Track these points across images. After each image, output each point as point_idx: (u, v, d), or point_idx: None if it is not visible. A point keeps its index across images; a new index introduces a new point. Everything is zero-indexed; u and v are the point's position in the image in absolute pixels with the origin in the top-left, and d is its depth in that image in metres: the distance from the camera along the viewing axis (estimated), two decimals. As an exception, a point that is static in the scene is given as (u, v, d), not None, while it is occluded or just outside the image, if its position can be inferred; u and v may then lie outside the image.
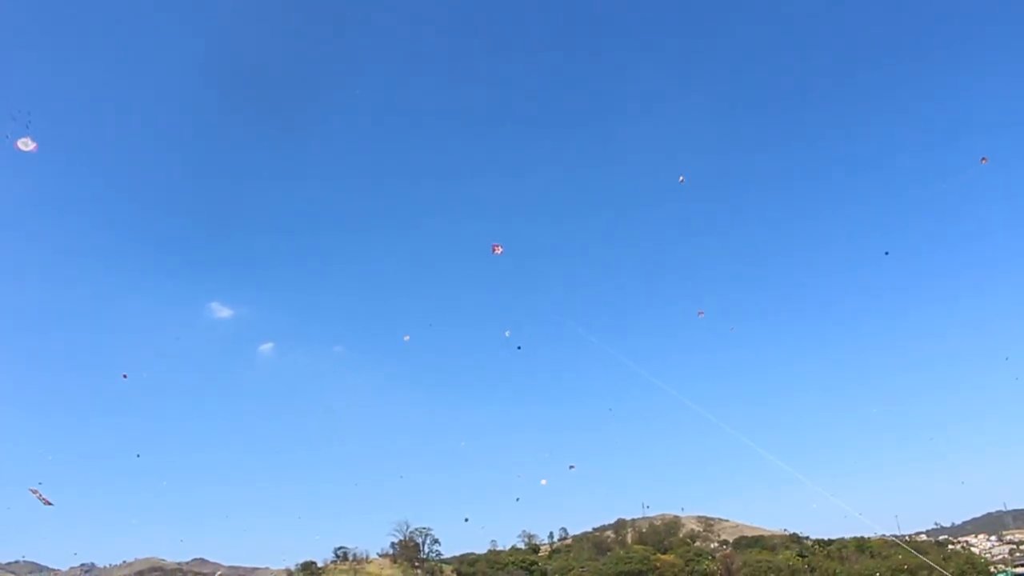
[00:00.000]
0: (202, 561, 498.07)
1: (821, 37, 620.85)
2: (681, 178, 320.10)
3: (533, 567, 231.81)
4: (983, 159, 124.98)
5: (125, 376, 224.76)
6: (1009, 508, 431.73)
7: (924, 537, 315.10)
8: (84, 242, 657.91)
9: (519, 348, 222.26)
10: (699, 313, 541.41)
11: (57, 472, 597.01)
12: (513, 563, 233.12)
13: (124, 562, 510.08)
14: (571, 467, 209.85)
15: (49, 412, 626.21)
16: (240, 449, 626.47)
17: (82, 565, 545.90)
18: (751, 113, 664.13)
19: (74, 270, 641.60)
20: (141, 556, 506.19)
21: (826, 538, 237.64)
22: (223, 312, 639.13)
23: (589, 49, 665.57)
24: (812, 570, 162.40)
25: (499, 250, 67.62)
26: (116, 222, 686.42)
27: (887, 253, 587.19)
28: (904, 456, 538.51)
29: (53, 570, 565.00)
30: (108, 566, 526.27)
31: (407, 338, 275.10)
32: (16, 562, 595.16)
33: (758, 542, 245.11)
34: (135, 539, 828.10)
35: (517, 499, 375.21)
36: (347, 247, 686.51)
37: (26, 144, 57.88)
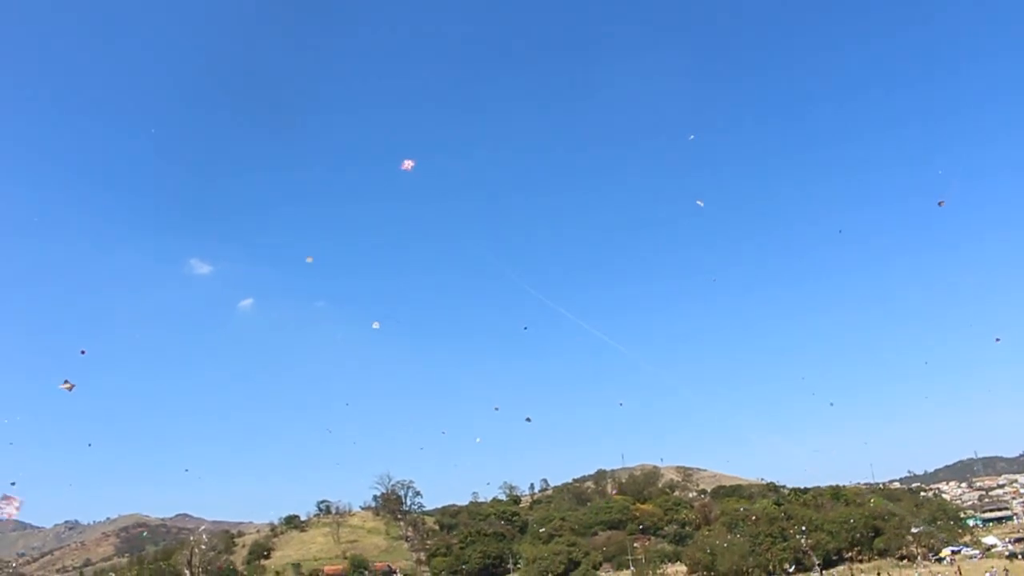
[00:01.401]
0: (186, 516, 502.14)
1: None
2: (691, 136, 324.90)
3: (514, 518, 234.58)
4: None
5: (83, 352, 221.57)
6: (979, 456, 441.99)
7: (898, 485, 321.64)
8: (68, 197, 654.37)
9: (525, 328, 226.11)
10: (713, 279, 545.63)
11: (39, 431, 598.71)
12: (494, 514, 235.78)
13: (108, 519, 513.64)
14: (527, 419, 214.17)
15: (31, 370, 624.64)
16: (222, 406, 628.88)
17: (66, 522, 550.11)
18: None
19: (56, 227, 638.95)
20: (125, 512, 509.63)
21: (802, 487, 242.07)
22: (203, 268, 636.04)
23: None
24: (788, 517, 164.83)
25: (409, 165, 66.15)
26: (97, 178, 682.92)
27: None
28: (878, 406, 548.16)
29: (38, 528, 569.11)
30: (92, 523, 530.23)
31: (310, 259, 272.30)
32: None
33: (735, 491, 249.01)
34: (119, 496, 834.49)
35: (478, 440, 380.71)
36: (327, 204, 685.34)
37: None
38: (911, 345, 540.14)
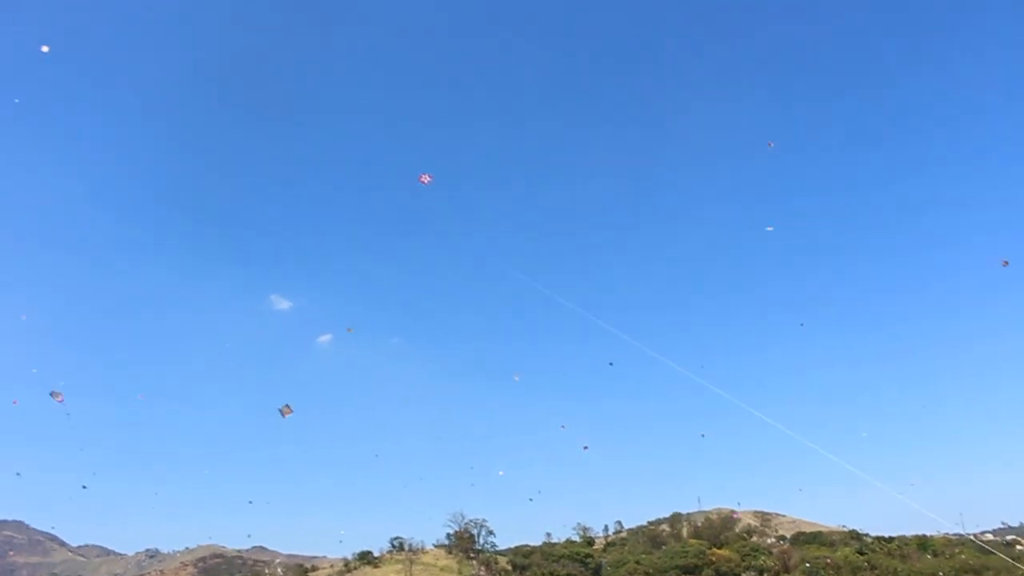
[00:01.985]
0: (261, 549, 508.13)
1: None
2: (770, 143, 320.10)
3: (588, 559, 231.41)
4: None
5: (142, 397, 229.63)
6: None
7: (990, 536, 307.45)
8: (154, 237, 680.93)
9: (611, 364, 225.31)
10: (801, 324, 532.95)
11: (122, 460, 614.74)
12: (568, 555, 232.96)
13: (186, 548, 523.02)
14: (584, 448, 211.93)
15: (116, 398, 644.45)
16: (299, 440, 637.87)
17: (147, 550, 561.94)
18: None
19: (148, 264, 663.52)
20: (203, 543, 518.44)
21: (886, 535, 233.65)
22: (283, 304, 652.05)
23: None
24: (872, 567, 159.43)
25: (426, 179, 66.00)
26: (182, 217, 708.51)
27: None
28: (969, 452, 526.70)
29: (120, 554, 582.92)
30: (171, 552, 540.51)
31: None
32: (86, 546, 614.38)
33: (816, 538, 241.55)
34: (197, 526, 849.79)
35: (501, 473, 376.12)
36: (402, 242, 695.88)
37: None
38: (1007, 388, 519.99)
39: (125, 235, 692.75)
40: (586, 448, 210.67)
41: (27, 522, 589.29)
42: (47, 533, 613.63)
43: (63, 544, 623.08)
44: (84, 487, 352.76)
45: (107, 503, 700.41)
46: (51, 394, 58.92)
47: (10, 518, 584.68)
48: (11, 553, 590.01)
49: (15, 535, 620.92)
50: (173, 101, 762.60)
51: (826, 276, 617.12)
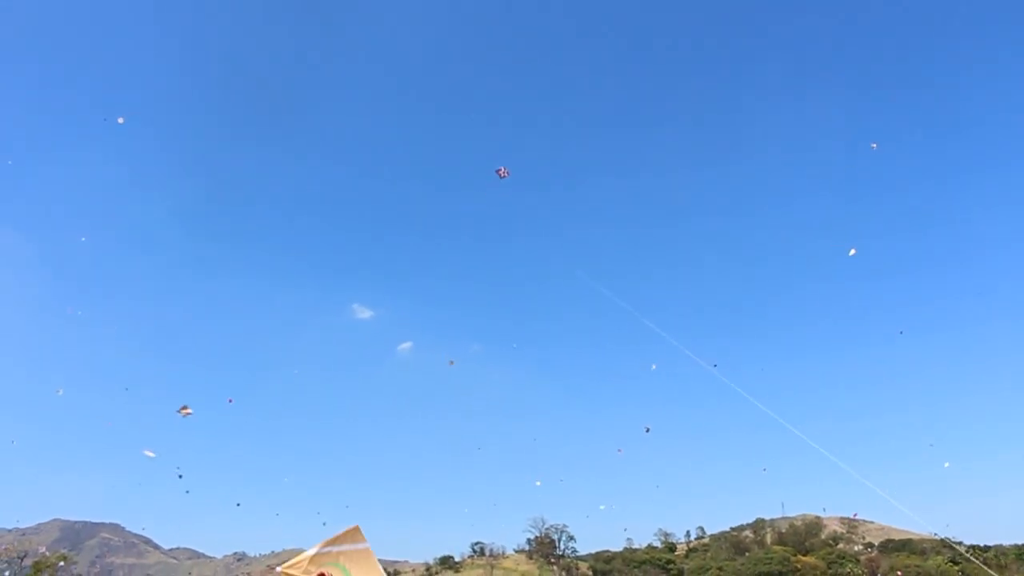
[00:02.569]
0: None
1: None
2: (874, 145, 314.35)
3: (670, 566, 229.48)
4: None
5: (231, 401, 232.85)
6: None
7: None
8: (241, 251, 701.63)
9: (715, 365, 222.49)
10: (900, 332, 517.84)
11: (211, 465, 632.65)
12: (649, 561, 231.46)
13: (272, 552, 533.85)
14: (647, 429, 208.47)
15: (206, 404, 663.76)
16: (381, 446, 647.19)
17: (235, 553, 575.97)
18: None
19: (227, 278, 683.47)
20: (289, 547, 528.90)
21: (981, 544, 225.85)
22: (364, 313, 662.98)
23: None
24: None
25: (504, 172, 66.00)
26: (262, 230, 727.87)
27: None
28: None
29: (209, 557, 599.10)
30: (258, 555, 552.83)
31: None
32: (176, 548, 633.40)
33: (906, 546, 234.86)
34: (284, 531, 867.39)
35: (538, 483, 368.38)
36: (481, 247, 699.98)
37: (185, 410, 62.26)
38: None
39: (203, 249, 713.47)
40: (648, 430, 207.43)
41: (123, 524, 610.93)
42: (141, 536, 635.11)
43: (156, 547, 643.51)
44: (187, 492, 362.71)
45: (197, 508, 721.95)
46: (179, 410, 60.34)
47: (107, 520, 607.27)
48: (108, 555, 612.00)
49: (112, 537, 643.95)
50: (240, 113, 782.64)
51: (920, 278, 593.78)
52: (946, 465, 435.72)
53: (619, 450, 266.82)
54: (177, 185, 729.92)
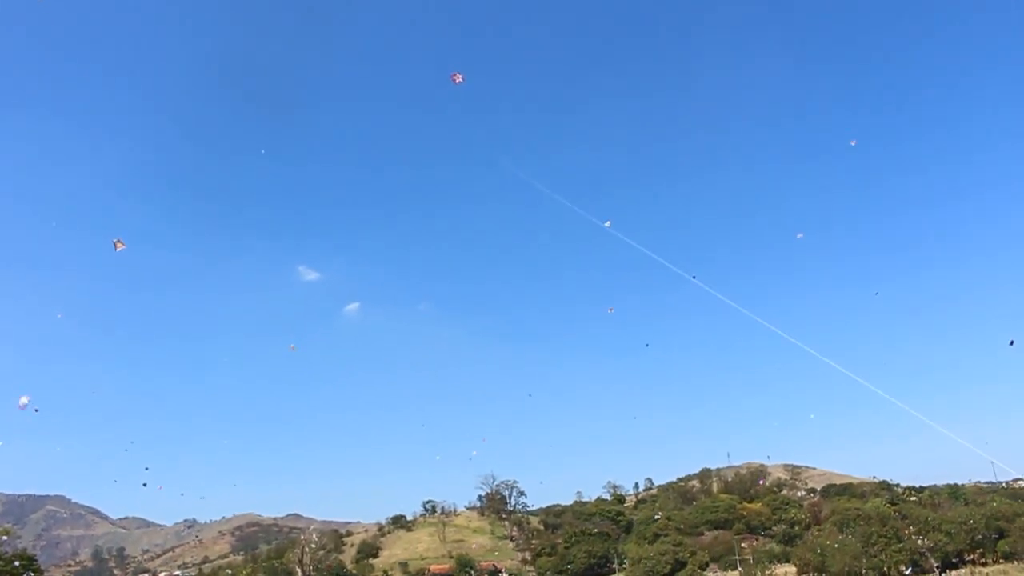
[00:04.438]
0: (296, 516, 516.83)
1: None
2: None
3: (619, 517, 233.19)
4: None
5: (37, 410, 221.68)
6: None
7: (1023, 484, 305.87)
8: (183, 213, 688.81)
9: (608, 308, 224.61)
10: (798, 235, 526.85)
11: (158, 431, 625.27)
12: (599, 513, 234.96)
13: (223, 518, 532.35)
14: (610, 310, 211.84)
15: (150, 373, 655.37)
16: (330, 408, 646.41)
17: (185, 520, 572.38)
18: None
19: (176, 240, 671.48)
20: (239, 512, 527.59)
21: (917, 485, 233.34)
22: (311, 275, 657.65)
23: None
24: (903, 517, 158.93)
25: (458, 78, 66.48)
26: (206, 194, 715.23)
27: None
28: (1002, 396, 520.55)
29: (159, 525, 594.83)
30: (209, 521, 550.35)
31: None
32: (126, 518, 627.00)
33: (846, 490, 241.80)
34: (233, 496, 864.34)
35: (484, 439, 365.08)
36: (425, 208, 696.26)
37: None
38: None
39: (151, 219, 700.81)
40: (611, 310, 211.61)
41: (69, 496, 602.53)
42: (88, 507, 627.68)
43: (104, 517, 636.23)
44: (146, 468, 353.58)
45: (145, 476, 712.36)
46: (115, 243, 58.51)
47: (52, 493, 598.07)
48: (55, 527, 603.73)
49: (58, 509, 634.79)
50: (191, 89, 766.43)
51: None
52: (812, 416, 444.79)
53: (610, 309, 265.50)
54: (121, 156, 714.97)
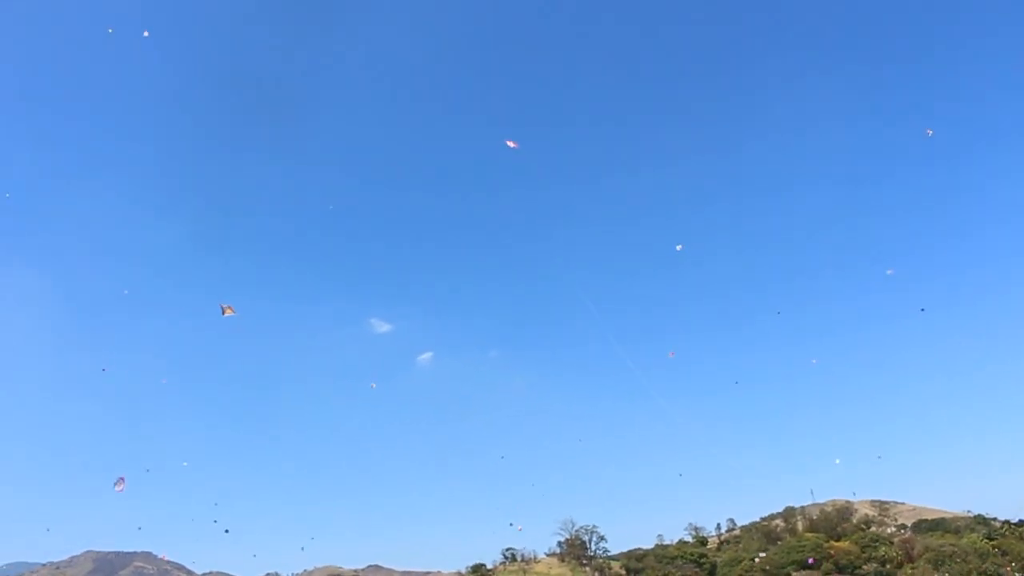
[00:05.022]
0: (377, 567, 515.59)
1: None
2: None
3: (702, 560, 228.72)
4: None
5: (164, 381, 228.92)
6: None
7: None
8: (252, 273, 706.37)
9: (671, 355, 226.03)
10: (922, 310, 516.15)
11: (237, 486, 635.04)
12: (681, 556, 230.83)
13: (304, 571, 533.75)
14: (671, 354, 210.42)
15: (229, 428, 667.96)
16: (407, 457, 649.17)
17: (267, 574, 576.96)
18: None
19: (246, 297, 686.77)
20: (320, 564, 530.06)
21: (1016, 519, 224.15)
22: (383, 327, 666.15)
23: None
24: (1003, 553, 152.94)
25: (513, 144, 67.74)
26: (273, 247, 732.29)
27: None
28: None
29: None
30: (291, 574, 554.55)
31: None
32: (210, 573, 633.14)
33: (939, 525, 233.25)
34: (314, 548, 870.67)
35: (519, 528, 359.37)
36: (494, 251, 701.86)
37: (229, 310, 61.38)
38: None
39: (215, 269, 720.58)
40: (672, 355, 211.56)
41: (155, 552, 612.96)
42: (173, 563, 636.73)
43: (190, 573, 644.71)
44: (226, 531, 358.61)
45: (229, 527, 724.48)
46: (223, 310, 59.58)
47: (139, 549, 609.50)
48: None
49: (146, 566, 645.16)
50: (244, 126, 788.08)
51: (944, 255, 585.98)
52: (879, 457, 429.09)
53: (671, 354, 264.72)
54: (185, 205, 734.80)
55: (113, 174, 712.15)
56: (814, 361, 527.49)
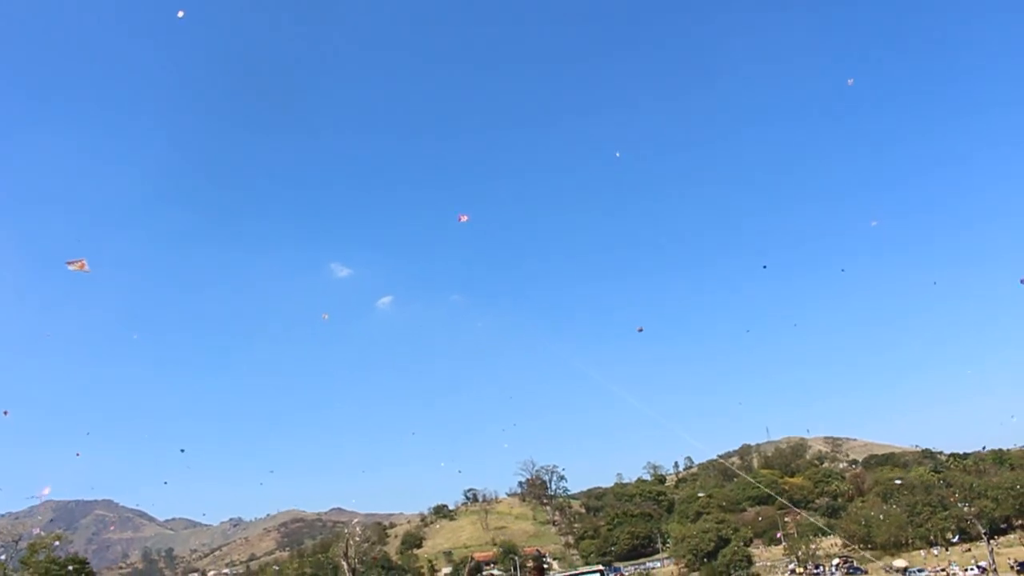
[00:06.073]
0: (339, 510, 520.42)
1: None
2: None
3: (660, 497, 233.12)
4: None
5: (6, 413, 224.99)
6: None
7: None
8: (216, 217, 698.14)
9: (640, 330, 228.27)
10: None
11: (200, 432, 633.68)
12: (640, 494, 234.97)
13: (267, 515, 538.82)
14: (639, 329, 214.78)
15: (190, 373, 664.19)
16: (367, 401, 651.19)
17: (230, 519, 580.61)
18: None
19: (209, 246, 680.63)
20: (283, 508, 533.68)
21: (961, 452, 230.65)
22: (343, 271, 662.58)
23: None
24: (948, 485, 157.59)
25: (464, 218, 68.99)
26: (237, 200, 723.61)
27: None
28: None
29: (205, 525, 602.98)
30: (254, 519, 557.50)
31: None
32: (172, 519, 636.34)
33: (888, 460, 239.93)
34: (277, 493, 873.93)
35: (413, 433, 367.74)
36: (455, 200, 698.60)
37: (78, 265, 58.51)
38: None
39: (187, 220, 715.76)
40: (640, 330, 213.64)
41: (116, 500, 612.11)
42: (135, 510, 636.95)
43: (151, 519, 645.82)
44: (182, 450, 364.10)
45: (192, 478, 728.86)
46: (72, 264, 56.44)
47: (100, 497, 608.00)
48: (104, 531, 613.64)
49: (107, 513, 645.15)
50: (211, 93, 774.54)
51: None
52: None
53: (639, 329, 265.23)
54: (154, 161, 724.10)
55: (71, 124, 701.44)
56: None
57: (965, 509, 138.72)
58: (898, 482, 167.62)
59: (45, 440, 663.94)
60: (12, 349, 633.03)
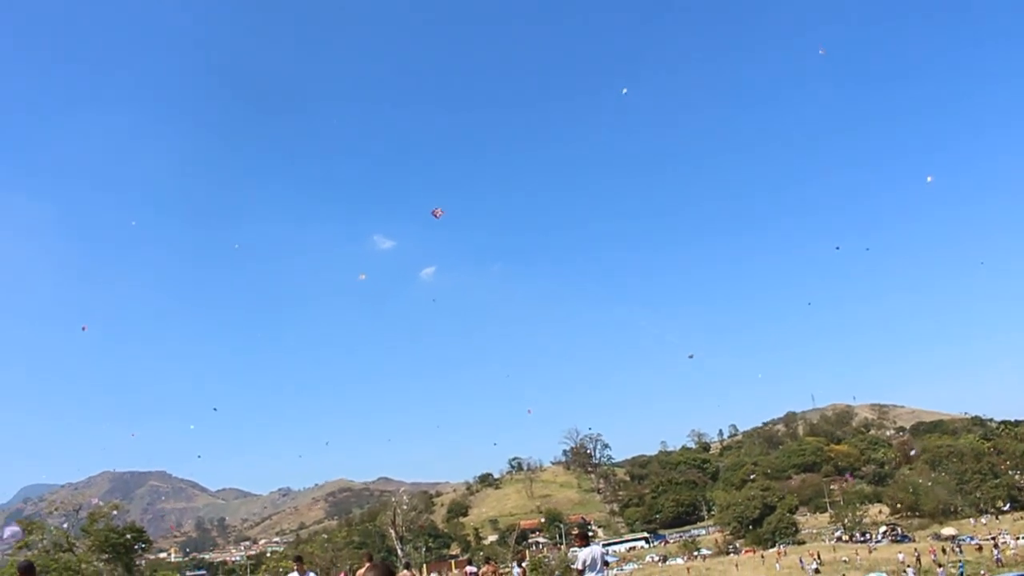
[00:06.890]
0: (386, 480, 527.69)
1: None
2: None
3: (705, 464, 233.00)
4: None
5: (84, 328, 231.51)
6: None
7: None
8: (254, 198, 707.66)
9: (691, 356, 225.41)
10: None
11: (250, 404, 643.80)
12: (685, 462, 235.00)
13: (316, 485, 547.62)
14: (690, 356, 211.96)
15: (241, 351, 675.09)
16: (413, 371, 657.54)
17: (279, 489, 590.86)
18: None
19: (249, 222, 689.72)
20: (331, 478, 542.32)
21: (1012, 419, 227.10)
22: (386, 243, 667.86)
23: None
24: (999, 452, 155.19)
25: (439, 213, 68.41)
26: (287, 173, 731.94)
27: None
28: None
29: (255, 495, 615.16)
30: (302, 489, 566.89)
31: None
32: (224, 490, 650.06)
33: (937, 427, 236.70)
34: (325, 463, 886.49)
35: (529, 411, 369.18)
36: (494, 169, 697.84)
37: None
38: None
39: (234, 197, 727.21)
40: (691, 357, 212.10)
41: (170, 471, 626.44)
42: (188, 480, 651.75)
43: (203, 489, 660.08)
44: (215, 409, 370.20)
45: (242, 448, 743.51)
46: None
47: (154, 469, 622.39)
48: (159, 501, 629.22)
49: (160, 484, 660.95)
50: (241, 76, 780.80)
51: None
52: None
53: (690, 355, 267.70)
54: (190, 138, 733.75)
55: (112, 105, 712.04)
56: (837, 247, 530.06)
57: (1016, 477, 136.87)
58: (947, 449, 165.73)
59: (102, 416, 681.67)
60: (72, 326, 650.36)
